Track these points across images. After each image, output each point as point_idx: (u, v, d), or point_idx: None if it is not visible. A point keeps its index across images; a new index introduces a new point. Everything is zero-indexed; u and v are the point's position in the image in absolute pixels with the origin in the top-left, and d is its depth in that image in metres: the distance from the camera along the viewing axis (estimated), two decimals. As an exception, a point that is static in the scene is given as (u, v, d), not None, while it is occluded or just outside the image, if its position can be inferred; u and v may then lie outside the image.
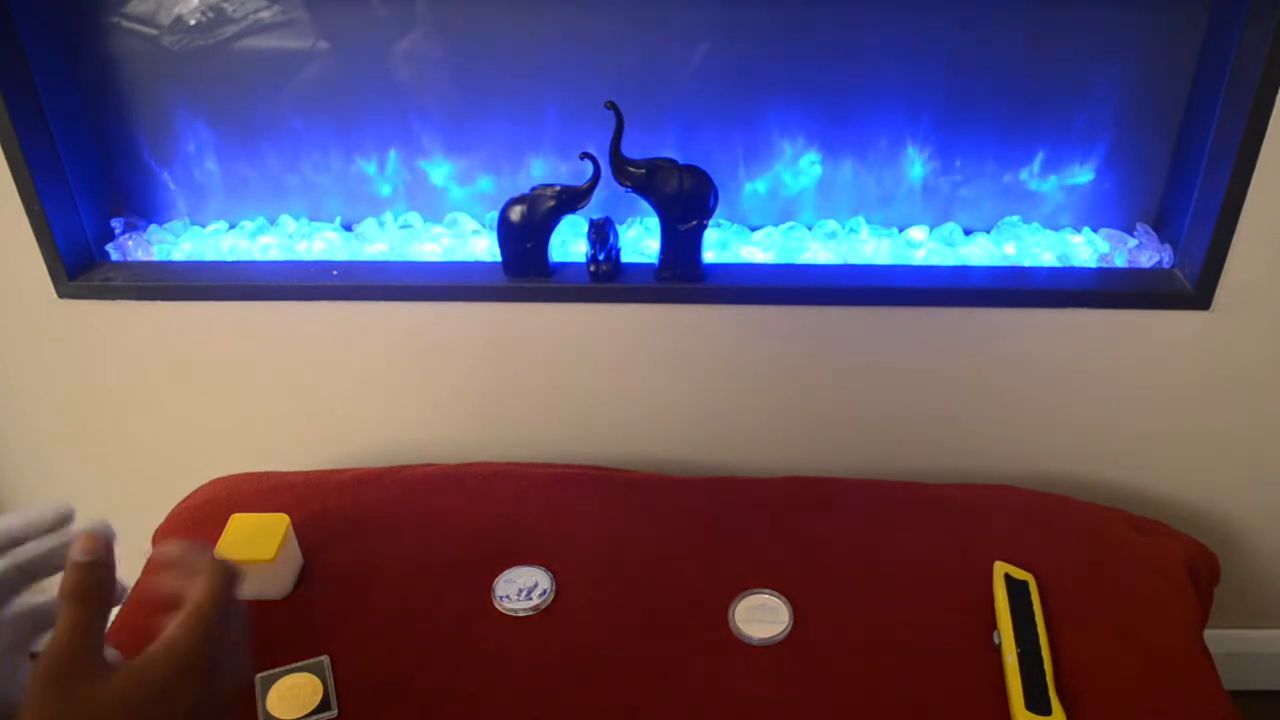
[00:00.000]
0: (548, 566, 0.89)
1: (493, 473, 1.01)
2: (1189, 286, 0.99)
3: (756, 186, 1.04)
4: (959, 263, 1.03)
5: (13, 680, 0.57)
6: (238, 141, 1.03)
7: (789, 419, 1.11)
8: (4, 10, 0.91)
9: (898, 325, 1.03)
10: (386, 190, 1.06)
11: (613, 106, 0.92)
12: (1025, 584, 0.85)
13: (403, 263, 1.05)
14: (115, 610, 0.50)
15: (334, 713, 0.76)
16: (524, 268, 1.01)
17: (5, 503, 1.25)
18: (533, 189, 0.97)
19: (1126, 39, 0.94)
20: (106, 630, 0.51)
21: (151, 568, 0.56)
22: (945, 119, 0.99)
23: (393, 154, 1.04)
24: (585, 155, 0.95)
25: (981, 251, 1.04)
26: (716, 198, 0.96)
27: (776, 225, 1.06)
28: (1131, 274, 1.02)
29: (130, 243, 1.06)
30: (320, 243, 1.06)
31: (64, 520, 0.59)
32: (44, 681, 0.46)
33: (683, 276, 1.00)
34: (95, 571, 0.50)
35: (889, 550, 0.91)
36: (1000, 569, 0.87)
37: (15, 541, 0.58)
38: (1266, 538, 1.18)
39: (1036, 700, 0.75)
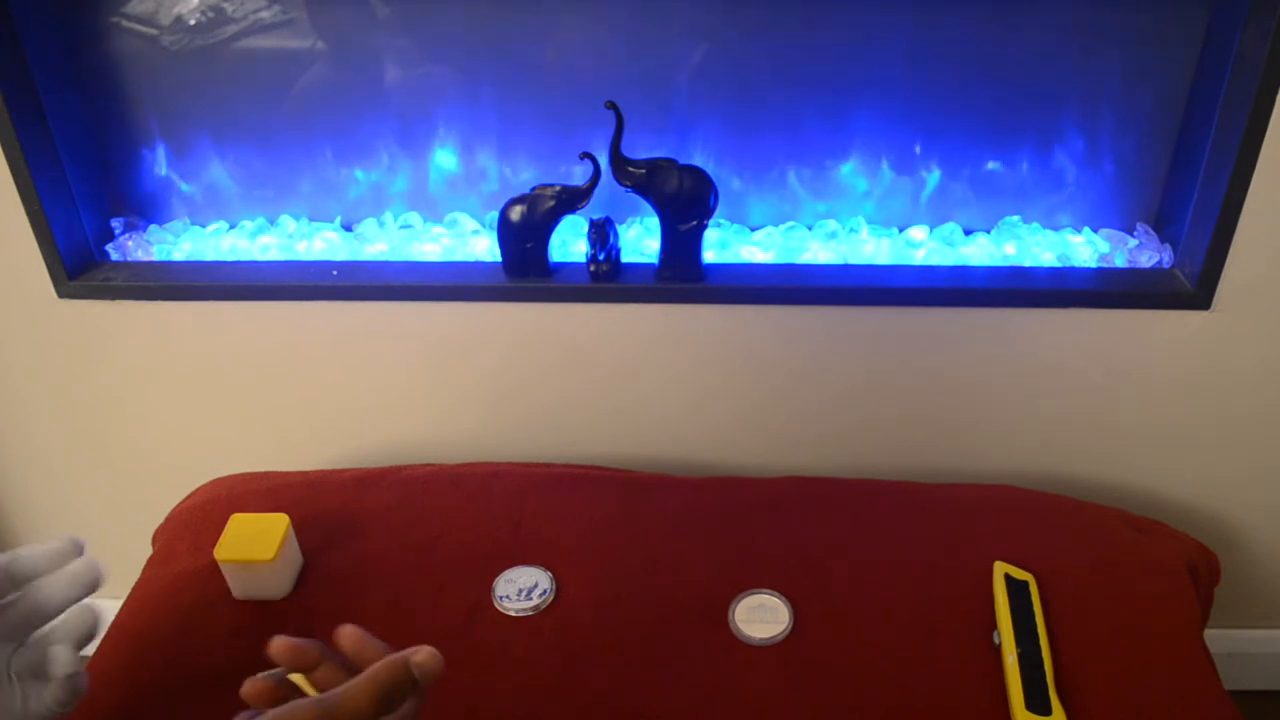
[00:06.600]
0: (548, 566, 0.89)
1: (492, 473, 1.01)
2: (1189, 286, 0.99)
3: (756, 186, 1.04)
4: (959, 263, 1.03)
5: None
6: (238, 141, 1.03)
7: (789, 419, 1.11)
8: (4, 10, 0.91)
9: (898, 325, 1.03)
10: (386, 190, 1.06)
11: (613, 106, 0.92)
12: (1025, 584, 0.85)
13: (403, 263, 1.05)
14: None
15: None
16: (524, 268, 1.01)
17: (5, 502, 1.25)
18: (533, 189, 0.97)
19: (1126, 39, 0.94)
20: None
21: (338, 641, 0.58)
22: (946, 118, 0.99)
23: (393, 154, 1.04)
24: (585, 155, 0.95)
25: (981, 251, 1.04)
26: (716, 197, 0.96)
27: (776, 225, 1.06)
28: (1131, 274, 1.02)
29: (130, 243, 1.06)
30: (320, 243, 1.06)
31: (78, 553, 0.60)
32: (314, 714, 0.50)
33: (683, 276, 1.00)
34: (406, 682, 0.53)
35: (889, 550, 0.91)
36: (1000, 569, 0.87)
37: (36, 574, 0.58)
38: (1266, 538, 1.18)
39: (1036, 700, 0.75)
